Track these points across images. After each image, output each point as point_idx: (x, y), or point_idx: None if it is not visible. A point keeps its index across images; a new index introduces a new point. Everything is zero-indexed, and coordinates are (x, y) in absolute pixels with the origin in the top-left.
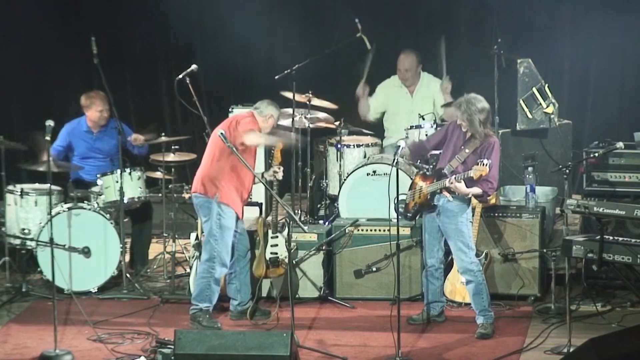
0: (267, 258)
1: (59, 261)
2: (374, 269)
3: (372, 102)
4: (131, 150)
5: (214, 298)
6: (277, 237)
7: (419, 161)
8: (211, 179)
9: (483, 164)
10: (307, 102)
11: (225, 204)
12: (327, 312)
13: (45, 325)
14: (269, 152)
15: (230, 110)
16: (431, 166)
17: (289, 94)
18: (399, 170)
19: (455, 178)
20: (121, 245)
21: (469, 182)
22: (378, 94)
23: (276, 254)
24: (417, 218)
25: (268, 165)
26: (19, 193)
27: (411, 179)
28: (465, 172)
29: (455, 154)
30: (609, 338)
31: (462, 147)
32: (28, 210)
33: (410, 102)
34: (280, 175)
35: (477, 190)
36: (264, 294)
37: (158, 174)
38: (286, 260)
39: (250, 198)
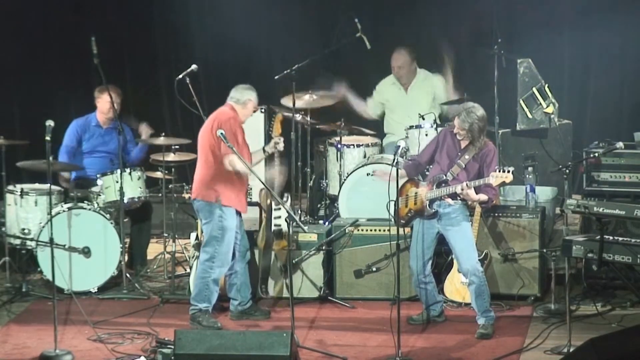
0: (272, 230)
1: (59, 261)
2: (374, 269)
3: (370, 102)
4: (130, 154)
5: (213, 298)
6: (279, 209)
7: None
8: (209, 184)
9: (505, 171)
10: (308, 99)
11: (226, 205)
12: (327, 312)
13: (45, 325)
14: (269, 123)
15: None
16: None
17: (289, 96)
18: (399, 170)
19: (466, 184)
20: (121, 245)
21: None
22: (376, 93)
23: (279, 225)
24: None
25: (268, 138)
26: (19, 193)
27: None
28: (481, 179)
29: (452, 161)
30: (609, 338)
31: (460, 154)
32: (28, 210)
33: (405, 98)
34: (281, 146)
35: (484, 197)
36: (263, 294)
37: (158, 174)
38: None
39: (250, 198)
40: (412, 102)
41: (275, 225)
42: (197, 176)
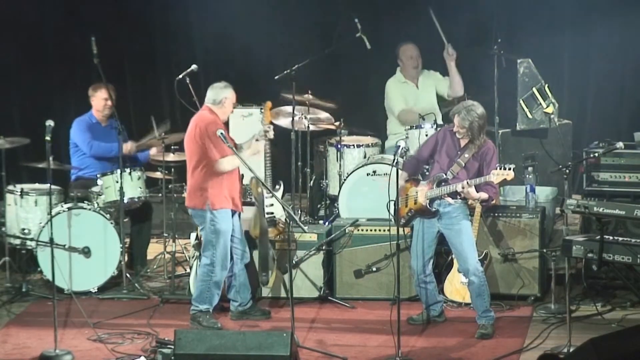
0: (265, 217)
1: (59, 261)
2: (374, 269)
3: (394, 104)
4: (135, 157)
5: (214, 300)
6: (271, 196)
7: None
8: (197, 191)
9: (506, 169)
10: (307, 102)
11: (218, 209)
12: (327, 312)
13: (45, 325)
14: (260, 112)
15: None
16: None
17: (288, 95)
18: (399, 170)
19: (467, 183)
20: (121, 245)
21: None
22: (394, 94)
23: (272, 213)
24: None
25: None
26: (19, 193)
27: None
28: (481, 177)
29: (452, 160)
30: (609, 338)
31: (459, 152)
32: (28, 210)
33: (417, 93)
34: (271, 134)
35: (484, 195)
36: (264, 294)
37: (158, 174)
38: (282, 219)
39: (250, 198)
40: (425, 94)
41: (268, 213)
42: (188, 184)
